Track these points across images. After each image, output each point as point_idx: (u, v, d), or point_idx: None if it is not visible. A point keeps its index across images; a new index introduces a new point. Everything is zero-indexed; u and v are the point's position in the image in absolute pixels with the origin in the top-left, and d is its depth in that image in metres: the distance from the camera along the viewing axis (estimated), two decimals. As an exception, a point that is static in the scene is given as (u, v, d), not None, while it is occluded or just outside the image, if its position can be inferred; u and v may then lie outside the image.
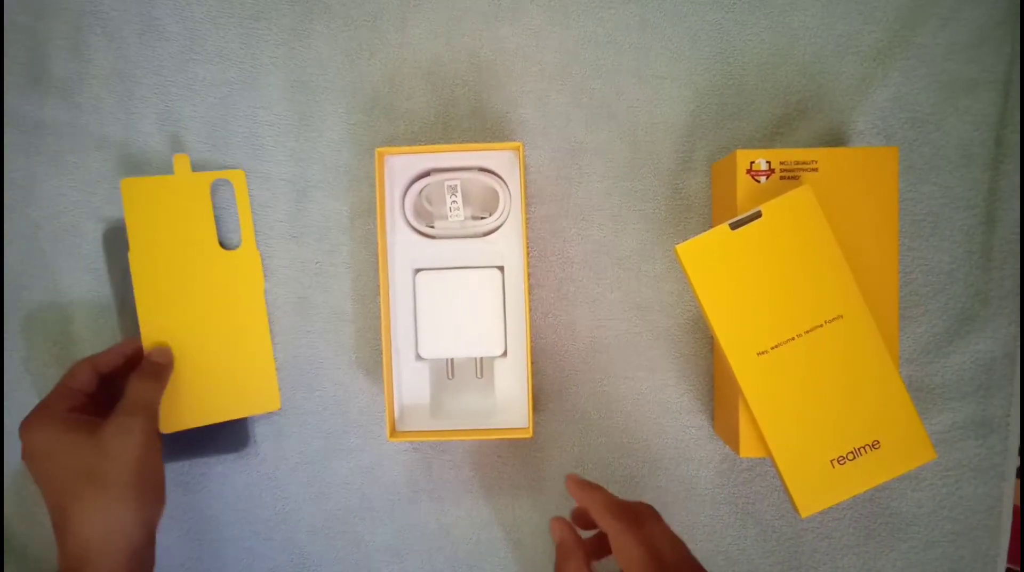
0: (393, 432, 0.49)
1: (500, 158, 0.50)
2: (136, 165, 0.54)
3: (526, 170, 0.53)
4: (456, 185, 0.50)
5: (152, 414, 0.47)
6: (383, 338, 0.49)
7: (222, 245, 0.53)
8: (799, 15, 0.52)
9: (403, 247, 0.51)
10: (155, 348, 0.51)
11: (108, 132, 0.54)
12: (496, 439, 0.53)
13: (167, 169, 0.54)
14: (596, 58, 0.53)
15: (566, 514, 0.46)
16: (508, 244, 0.50)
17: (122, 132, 0.54)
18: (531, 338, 0.50)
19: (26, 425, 0.46)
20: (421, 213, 0.51)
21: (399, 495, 0.53)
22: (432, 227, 0.51)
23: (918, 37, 0.51)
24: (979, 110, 0.51)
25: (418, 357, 0.51)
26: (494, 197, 0.50)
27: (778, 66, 0.52)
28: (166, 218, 0.52)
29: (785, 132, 0.52)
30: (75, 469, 0.44)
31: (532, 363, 0.52)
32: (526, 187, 0.52)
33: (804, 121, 0.52)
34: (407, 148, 0.49)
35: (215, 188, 0.53)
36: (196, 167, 0.54)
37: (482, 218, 0.51)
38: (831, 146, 0.52)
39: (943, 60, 0.51)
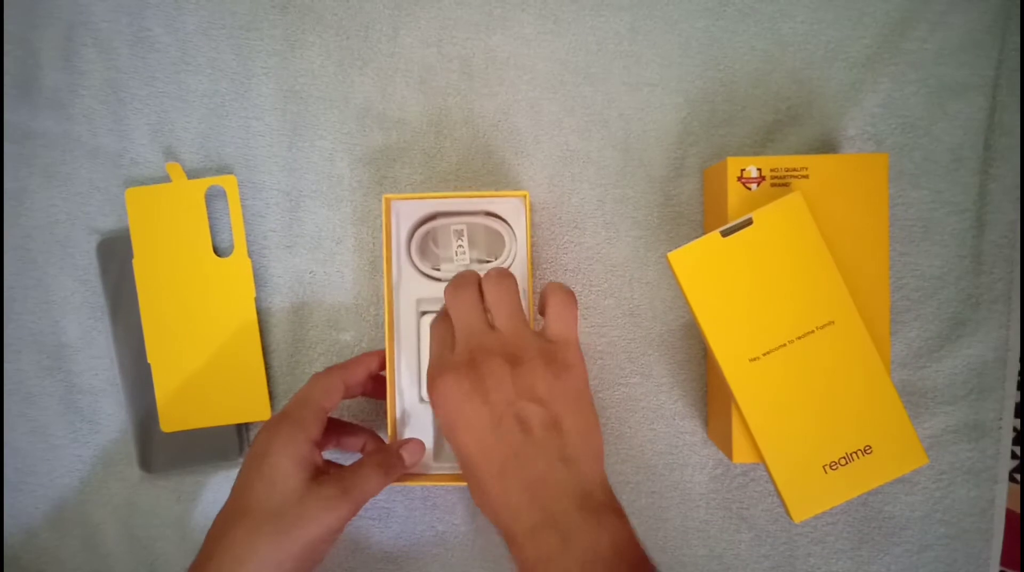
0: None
1: (507, 202, 0.50)
2: (129, 176, 0.54)
3: (531, 215, 0.53)
4: (462, 229, 0.50)
5: (358, 506, 0.43)
6: (388, 379, 0.49)
7: (216, 252, 0.53)
8: (789, 22, 0.52)
9: (408, 288, 0.51)
10: (411, 440, 0.47)
11: (101, 143, 0.54)
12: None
13: (160, 180, 0.54)
14: (587, 66, 0.53)
15: None
16: None
17: (115, 143, 0.54)
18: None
19: (268, 432, 0.43)
20: (427, 254, 0.51)
21: (395, 502, 0.54)
22: (438, 270, 0.51)
23: (907, 43, 0.51)
24: (969, 115, 0.51)
25: (421, 400, 0.50)
26: (500, 241, 0.51)
27: (769, 73, 0.52)
28: (166, 226, 0.53)
29: (776, 139, 0.52)
30: (270, 504, 0.41)
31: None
32: (532, 233, 0.53)
33: (795, 127, 0.52)
34: (414, 195, 0.48)
35: (209, 197, 0.53)
36: (190, 177, 0.54)
37: (487, 262, 0.51)
38: (822, 152, 0.52)
39: (932, 66, 0.51)
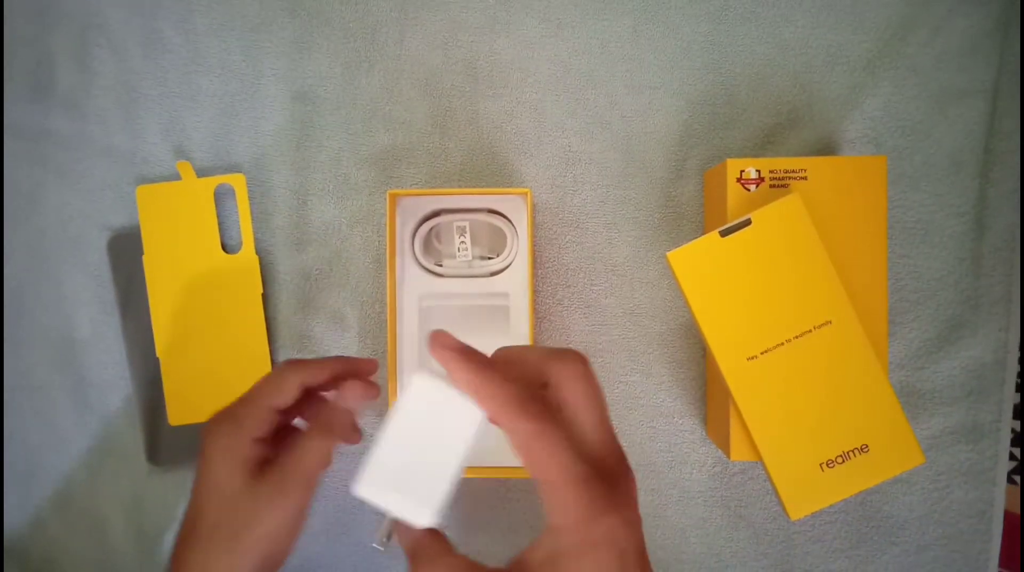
0: None
1: (509, 199, 0.51)
2: (141, 175, 0.55)
3: (533, 213, 0.53)
4: (465, 226, 0.51)
5: (311, 483, 0.39)
6: (388, 372, 0.49)
7: (224, 249, 0.54)
8: (790, 27, 0.53)
9: (411, 283, 0.52)
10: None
11: (113, 142, 0.55)
12: (502, 477, 0.52)
13: (171, 178, 0.55)
14: (590, 69, 0.54)
15: None
16: (514, 285, 0.51)
17: (127, 142, 0.55)
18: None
19: (206, 434, 0.40)
20: (430, 251, 0.52)
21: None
22: (440, 266, 0.52)
23: (908, 47, 0.52)
24: (969, 119, 0.52)
25: None
26: (502, 238, 0.51)
27: (769, 76, 0.53)
28: (176, 223, 0.54)
29: (776, 141, 0.53)
30: (213, 516, 0.39)
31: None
32: (534, 230, 0.53)
33: (795, 130, 0.53)
34: (418, 191, 0.49)
35: (218, 196, 0.54)
36: (199, 176, 0.55)
37: (489, 258, 0.52)
38: (822, 155, 0.52)
39: (933, 70, 0.52)
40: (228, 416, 0.41)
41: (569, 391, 0.32)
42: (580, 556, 0.29)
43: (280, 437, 0.42)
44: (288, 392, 0.41)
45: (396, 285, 0.51)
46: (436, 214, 0.52)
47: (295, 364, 0.42)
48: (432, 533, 0.33)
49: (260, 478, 0.39)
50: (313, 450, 0.39)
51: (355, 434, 0.45)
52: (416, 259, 0.51)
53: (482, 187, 0.54)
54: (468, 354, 0.31)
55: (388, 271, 0.50)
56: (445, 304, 0.52)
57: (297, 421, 0.45)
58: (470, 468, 0.49)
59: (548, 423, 0.30)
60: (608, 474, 0.31)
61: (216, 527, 0.39)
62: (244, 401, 0.41)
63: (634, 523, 0.31)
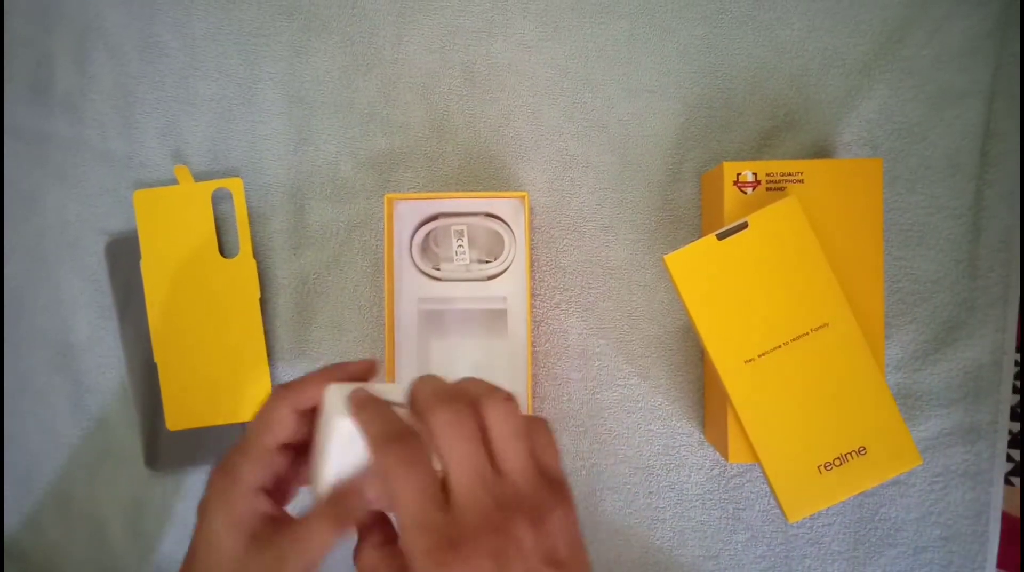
0: None
1: (506, 203, 0.52)
2: (138, 179, 0.55)
3: (531, 216, 0.53)
4: (463, 230, 0.51)
5: (311, 569, 0.34)
6: (387, 380, 0.49)
7: (222, 253, 0.54)
8: (786, 29, 0.53)
9: (409, 287, 0.52)
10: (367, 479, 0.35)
11: (110, 146, 0.55)
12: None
13: (168, 182, 0.55)
14: (587, 72, 0.54)
15: None
16: (511, 288, 0.51)
17: (124, 146, 0.55)
18: (532, 392, 0.51)
19: (208, 485, 0.37)
20: (428, 254, 0.52)
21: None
22: (438, 269, 0.52)
23: (904, 50, 0.52)
24: (965, 121, 0.52)
25: None
26: (499, 242, 0.52)
27: (766, 79, 0.53)
28: (173, 227, 0.54)
29: (773, 144, 0.53)
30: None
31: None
32: (531, 234, 0.53)
33: (792, 133, 0.53)
34: (416, 195, 0.49)
35: (216, 200, 0.55)
36: (197, 180, 0.55)
37: (487, 262, 0.52)
38: (819, 157, 0.52)
39: (929, 72, 0.52)
40: (225, 468, 0.37)
41: (490, 428, 0.31)
42: None
43: (291, 475, 0.38)
44: (282, 426, 0.36)
45: (394, 289, 0.51)
46: (434, 218, 0.52)
47: (283, 391, 0.37)
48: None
49: (258, 548, 0.35)
50: (317, 535, 0.34)
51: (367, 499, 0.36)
52: (414, 263, 0.52)
53: (479, 191, 0.54)
54: (362, 400, 0.33)
55: (386, 275, 0.50)
56: (443, 308, 0.52)
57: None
58: None
59: (403, 465, 0.30)
60: (471, 527, 0.29)
61: None
62: (240, 448, 0.37)
63: None
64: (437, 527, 0.29)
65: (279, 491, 0.38)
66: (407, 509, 0.30)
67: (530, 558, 0.29)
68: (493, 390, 0.32)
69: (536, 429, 0.33)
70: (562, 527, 0.30)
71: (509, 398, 0.32)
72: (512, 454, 0.31)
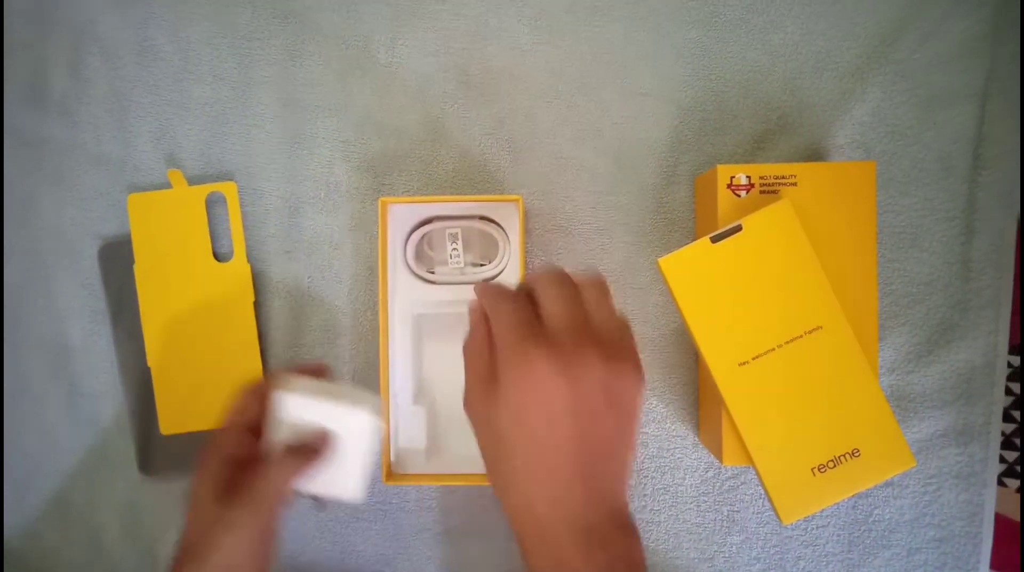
0: (389, 475, 0.50)
1: (501, 206, 0.52)
2: (132, 183, 0.55)
3: (525, 219, 0.53)
4: (457, 233, 0.51)
5: (274, 508, 0.41)
6: (381, 383, 0.50)
7: (216, 257, 0.54)
8: (779, 33, 0.53)
9: (404, 290, 0.52)
10: (316, 432, 0.43)
11: (105, 150, 0.55)
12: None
13: (162, 186, 0.55)
14: (581, 76, 0.54)
15: None
16: None
17: (118, 150, 0.55)
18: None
19: (196, 464, 0.43)
20: (422, 258, 0.52)
21: (391, 505, 0.54)
22: (432, 273, 0.52)
23: (896, 53, 0.52)
24: (958, 123, 0.52)
25: (415, 402, 0.52)
26: (494, 245, 0.52)
27: (759, 83, 0.53)
28: (167, 231, 0.54)
29: (767, 147, 0.53)
30: (189, 538, 0.41)
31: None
32: (525, 237, 0.53)
33: (785, 136, 0.53)
34: (410, 198, 0.49)
35: (210, 204, 0.54)
36: (191, 184, 0.55)
37: (481, 265, 0.52)
38: (812, 160, 0.53)
39: (922, 75, 0.52)
40: (208, 444, 0.43)
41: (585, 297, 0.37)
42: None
43: (255, 458, 0.43)
44: (251, 412, 0.44)
45: (388, 293, 0.51)
46: (428, 221, 0.52)
47: (250, 387, 0.45)
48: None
49: (227, 502, 0.40)
50: (275, 473, 0.41)
51: (319, 450, 0.43)
52: (408, 266, 0.52)
53: (474, 194, 0.54)
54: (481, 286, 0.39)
55: (380, 279, 0.50)
56: (437, 311, 0.52)
57: None
58: (465, 476, 0.50)
59: (502, 294, 0.37)
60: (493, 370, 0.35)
61: (187, 551, 0.40)
62: (218, 429, 0.44)
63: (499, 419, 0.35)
64: (529, 327, 0.35)
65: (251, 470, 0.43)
66: (504, 316, 0.36)
67: (594, 382, 0.34)
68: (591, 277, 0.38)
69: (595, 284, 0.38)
70: (631, 378, 0.35)
71: (603, 281, 0.38)
72: (598, 307, 0.36)
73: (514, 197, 0.49)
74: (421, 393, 0.52)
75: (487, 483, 0.48)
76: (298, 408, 0.43)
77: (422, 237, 0.52)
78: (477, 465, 0.50)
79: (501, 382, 0.35)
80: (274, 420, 0.43)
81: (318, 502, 0.46)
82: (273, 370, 0.45)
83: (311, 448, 0.42)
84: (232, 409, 0.44)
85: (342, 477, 0.44)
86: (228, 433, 0.43)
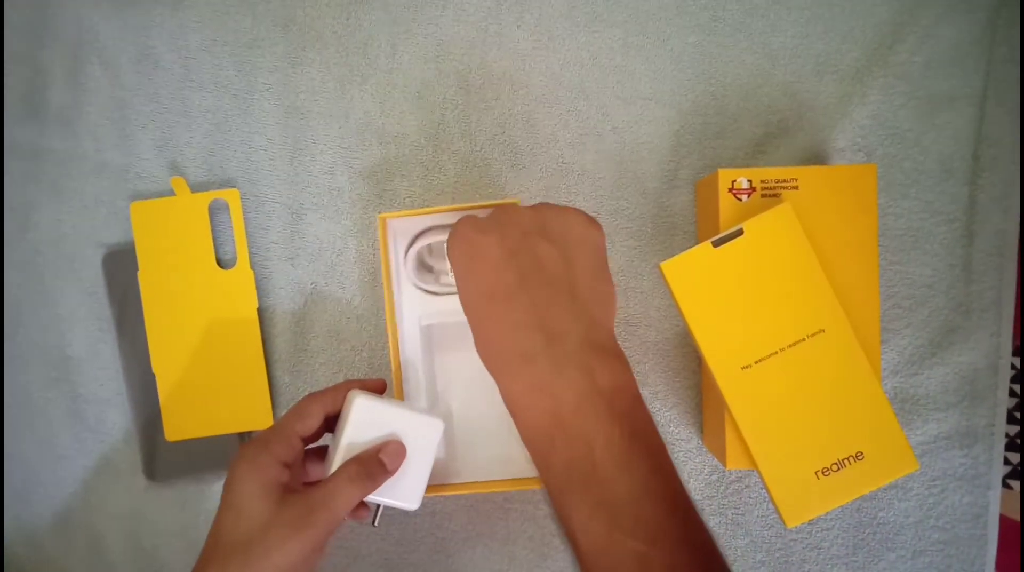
0: None
1: None
2: (135, 191, 0.55)
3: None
4: None
5: (330, 526, 0.40)
6: (395, 396, 0.49)
7: (219, 264, 0.54)
8: (779, 37, 0.53)
9: (409, 303, 0.51)
10: (391, 442, 0.44)
11: (106, 159, 0.56)
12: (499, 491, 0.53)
13: (165, 194, 0.55)
14: (581, 81, 0.54)
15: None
16: None
17: (120, 158, 0.56)
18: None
19: (236, 458, 0.42)
20: (425, 268, 0.52)
21: (394, 510, 0.54)
22: (436, 283, 0.51)
23: (896, 56, 0.52)
24: (958, 125, 0.52)
25: (429, 408, 0.51)
26: None
27: (759, 87, 0.53)
28: (170, 239, 0.54)
29: (767, 150, 0.53)
30: (234, 537, 0.39)
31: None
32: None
33: (786, 139, 0.53)
34: (409, 212, 0.49)
35: (213, 211, 0.55)
36: (193, 191, 0.55)
37: None
38: (812, 164, 0.53)
39: (921, 78, 0.52)
40: (257, 441, 0.42)
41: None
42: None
43: (302, 470, 0.45)
44: (313, 421, 0.43)
45: (395, 306, 0.50)
46: (430, 230, 0.52)
47: (316, 396, 0.44)
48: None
49: (284, 504, 0.40)
50: (342, 490, 0.41)
51: (388, 466, 0.44)
52: (411, 279, 0.51)
53: (475, 200, 0.54)
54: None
55: (385, 294, 0.49)
56: (444, 321, 0.51)
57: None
58: (469, 484, 0.50)
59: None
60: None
61: (234, 549, 0.39)
62: (273, 429, 0.43)
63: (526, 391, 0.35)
64: (475, 220, 0.38)
65: (292, 478, 0.43)
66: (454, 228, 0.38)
67: (524, 224, 0.38)
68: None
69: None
70: (559, 218, 0.38)
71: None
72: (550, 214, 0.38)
73: (512, 201, 0.49)
74: (436, 404, 0.52)
75: (495, 490, 0.49)
76: (373, 412, 0.43)
77: (424, 247, 0.51)
78: (492, 473, 0.50)
79: (454, 269, 0.38)
80: (347, 422, 0.43)
81: (375, 511, 0.45)
82: (339, 384, 0.45)
83: (382, 463, 0.42)
84: (292, 412, 0.44)
85: (407, 485, 0.44)
86: (283, 434, 0.42)
